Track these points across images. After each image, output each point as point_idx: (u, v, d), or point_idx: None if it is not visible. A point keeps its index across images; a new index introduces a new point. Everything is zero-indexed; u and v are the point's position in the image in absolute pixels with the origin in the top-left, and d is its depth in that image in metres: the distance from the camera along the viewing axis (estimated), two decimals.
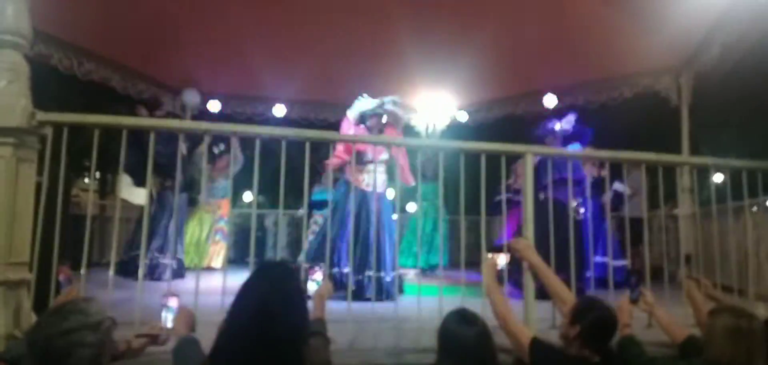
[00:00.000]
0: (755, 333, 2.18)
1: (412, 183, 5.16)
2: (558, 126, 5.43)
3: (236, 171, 6.41)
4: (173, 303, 2.84)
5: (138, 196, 9.51)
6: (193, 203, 6.91)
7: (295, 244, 8.39)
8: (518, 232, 3.94)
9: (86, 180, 11.73)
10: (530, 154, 3.47)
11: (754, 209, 4.47)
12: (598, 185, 6.12)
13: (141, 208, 6.77)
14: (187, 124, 5.31)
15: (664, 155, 3.94)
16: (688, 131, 6.76)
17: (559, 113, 5.88)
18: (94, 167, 3.25)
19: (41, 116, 2.83)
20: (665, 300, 3.29)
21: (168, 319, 2.75)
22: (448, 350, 2.03)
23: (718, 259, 3.82)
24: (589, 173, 6.21)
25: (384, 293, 4.58)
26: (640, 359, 2.47)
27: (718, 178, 4.32)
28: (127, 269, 5.49)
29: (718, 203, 3.95)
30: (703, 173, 5.63)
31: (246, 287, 1.79)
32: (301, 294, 1.88)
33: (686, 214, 6.35)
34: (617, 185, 5.99)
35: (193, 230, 6.92)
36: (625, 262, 6.19)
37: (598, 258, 5.77)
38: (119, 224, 3.97)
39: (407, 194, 5.65)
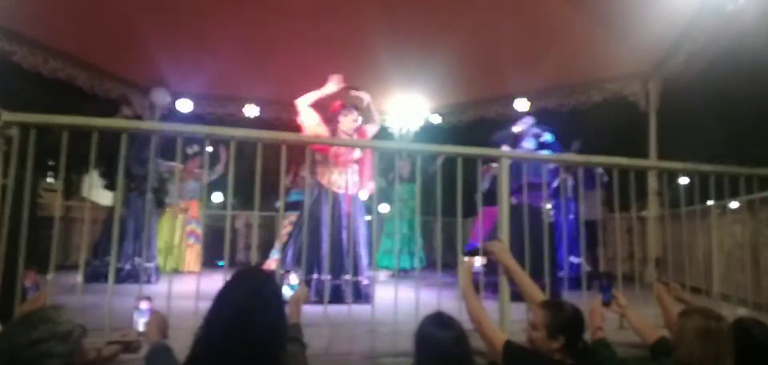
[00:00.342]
0: (723, 333, 2.22)
1: (370, 188, 5.13)
2: (516, 129, 5.48)
3: (213, 179, 6.30)
4: (145, 305, 2.77)
5: (104, 197, 9.28)
6: (160, 204, 6.77)
7: (266, 246, 8.29)
8: (492, 234, 3.96)
9: (49, 180, 11.40)
10: (506, 158, 3.50)
11: (717, 211, 4.59)
12: (575, 187, 6.16)
13: (107, 210, 6.59)
14: (160, 126, 5.18)
15: (636, 159, 4.01)
16: (655, 135, 6.92)
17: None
18: (63, 169, 3.14)
19: (7, 116, 2.73)
20: (634, 299, 3.35)
21: (139, 322, 2.68)
22: (425, 354, 2.03)
23: (686, 261, 3.91)
24: (566, 177, 6.26)
25: (362, 296, 4.55)
26: (611, 361, 2.51)
27: (682, 181, 4.41)
28: (96, 273, 5.32)
29: (686, 207, 4.04)
30: (671, 176, 5.76)
31: (223, 292, 1.74)
32: (279, 300, 1.84)
33: (654, 216, 6.50)
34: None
35: (164, 233, 6.78)
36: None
37: (574, 259, 5.84)
38: (86, 227, 3.85)
39: (380, 195, 5.62)
